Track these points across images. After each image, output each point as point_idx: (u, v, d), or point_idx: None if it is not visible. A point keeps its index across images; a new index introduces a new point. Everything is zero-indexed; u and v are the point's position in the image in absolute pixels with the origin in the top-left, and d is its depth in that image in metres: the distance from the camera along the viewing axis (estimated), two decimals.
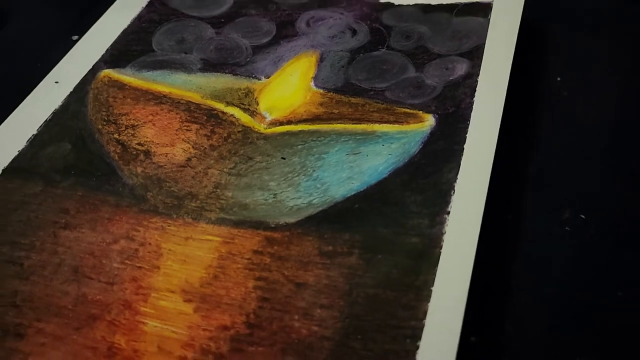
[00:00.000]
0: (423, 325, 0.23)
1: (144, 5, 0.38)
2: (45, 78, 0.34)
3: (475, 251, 0.25)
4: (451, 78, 0.33)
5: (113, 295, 0.26)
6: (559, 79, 0.34)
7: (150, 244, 0.27)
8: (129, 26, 0.37)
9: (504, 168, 0.29)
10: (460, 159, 0.29)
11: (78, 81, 0.34)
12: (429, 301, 0.24)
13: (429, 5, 0.38)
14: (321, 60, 0.35)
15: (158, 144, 0.31)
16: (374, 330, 0.24)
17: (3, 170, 0.30)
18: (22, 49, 0.37)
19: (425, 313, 0.24)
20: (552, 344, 0.24)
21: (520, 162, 0.31)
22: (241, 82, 0.34)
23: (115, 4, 0.38)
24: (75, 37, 0.37)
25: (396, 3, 0.39)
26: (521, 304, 0.26)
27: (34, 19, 0.39)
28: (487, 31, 0.35)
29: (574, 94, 0.34)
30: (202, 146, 0.31)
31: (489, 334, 0.25)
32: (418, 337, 0.23)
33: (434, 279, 0.25)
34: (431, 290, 0.24)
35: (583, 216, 0.28)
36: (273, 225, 0.28)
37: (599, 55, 0.36)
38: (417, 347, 0.23)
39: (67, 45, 0.36)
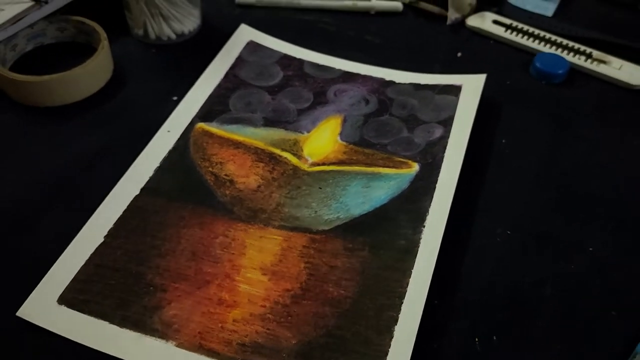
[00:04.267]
0: (406, 291, 0.40)
1: (222, 77, 0.55)
2: (161, 128, 0.50)
3: (438, 249, 0.42)
4: (431, 139, 0.50)
5: (218, 269, 0.41)
6: (503, 140, 0.51)
7: (238, 239, 0.43)
8: (213, 92, 0.53)
9: (461, 200, 0.45)
10: (434, 193, 0.45)
11: (182, 131, 0.50)
12: (410, 277, 0.40)
13: (419, 84, 0.55)
14: (344, 121, 0.52)
15: (238, 175, 0.47)
16: (376, 292, 0.40)
17: (141, 189, 0.46)
18: (138, 105, 0.53)
19: (407, 284, 0.40)
20: (485, 311, 0.40)
21: (472, 196, 0.46)
22: (291, 135, 0.51)
23: (203, 75, 0.54)
24: (175, 98, 0.53)
25: (396, 81, 0.55)
26: (467, 283, 0.41)
27: (144, 83, 0.55)
28: (457, 106, 0.52)
29: (514, 152, 0.50)
30: (267, 178, 0.47)
31: (444, 300, 0.40)
32: (403, 297, 0.39)
33: (414, 265, 0.41)
34: (411, 272, 0.41)
35: (509, 232, 0.44)
36: (315, 231, 0.44)
37: (531, 123, 0.52)
38: (402, 303, 0.39)
39: (169, 104, 0.52)
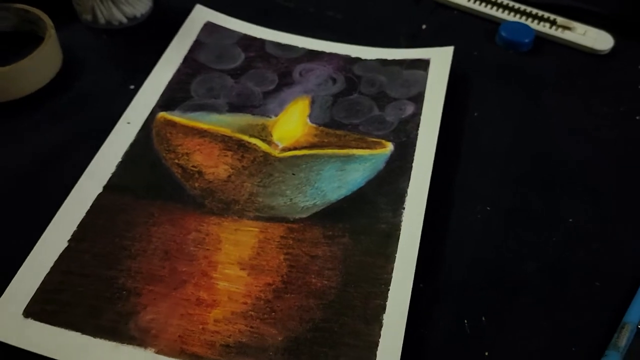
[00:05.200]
0: (391, 277, 0.39)
1: (181, 62, 0.52)
2: (120, 120, 0.47)
3: (421, 231, 0.41)
4: (403, 116, 0.48)
5: (194, 268, 0.39)
6: (475, 114, 0.50)
7: (212, 234, 0.41)
8: (172, 78, 0.50)
9: (437, 178, 0.44)
10: (410, 173, 0.44)
11: (143, 121, 0.47)
12: (394, 262, 0.39)
13: (386, 60, 0.53)
14: (312, 102, 0.50)
15: (206, 165, 0.45)
16: (361, 281, 0.39)
17: (104, 187, 0.43)
18: (93, 97, 0.49)
19: (392, 269, 0.39)
20: (471, 292, 0.40)
21: (448, 173, 0.45)
22: (258, 120, 0.48)
23: (160, 61, 0.51)
24: (132, 87, 0.50)
25: (362, 58, 0.53)
26: (450, 263, 0.41)
27: (97, 72, 0.52)
28: (426, 81, 0.51)
29: (486, 125, 0.49)
30: (237, 167, 0.45)
31: (429, 283, 0.40)
32: (388, 284, 0.38)
33: (397, 249, 0.40)
34: (395, 256, 0.40)
35: (488, 208, 0.44)
36: (292, 220, 0.42)
37: (501, 94, 0.51)
38: (389, 290, 0.38)
39: (127, 93, 0.49)
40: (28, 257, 0.39)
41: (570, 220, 0.43)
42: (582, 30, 0.55)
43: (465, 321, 0.38)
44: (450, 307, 0.39)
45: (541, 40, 0.56)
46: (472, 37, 0.56)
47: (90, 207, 0.42)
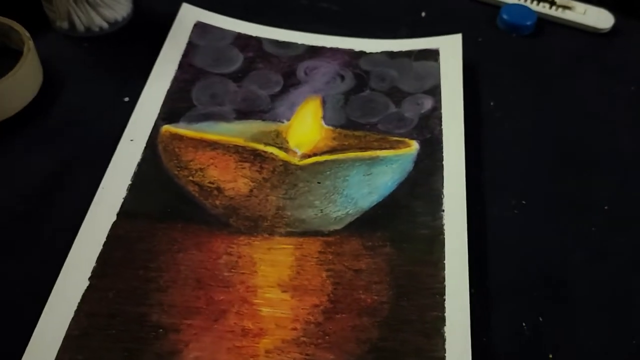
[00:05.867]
0: (444, 286, 0.37)
1: (176, 68, 0.48)
2: (122, 138, 0.42)
3: (467, 234, 0.39)
4: (422, 111, 0.46)
5: (232, 295, 0.36)
6: (491, 103, 0.48)
7: (244, 256, 0.38)
8: (170, 87, 0.46)
9: (467, 175, 0.42)
10: (443, 172, 0.42)
11: (147, 137, 0.43)
12: (444, 270, 0.37)
13: (392, 52, 0.51)
14: (324, 102, 0.47)
15: (224, 180, 0.42)
16: (413, 293, 0.37)
17: (117, 214, 0.39)
18: (85, 113, 0.45)
19: (444, 277, 0.37)
20: (523, 291, 0.38)
21: (477, 169, 0.44)
22: (270, 126, 0.45)
23: (154, 68, 0.47)
24: (126, 99, 0.46)
25: (367, 51, 0.51)
26: (496, 264, 0.39)
27: (85, 85, 0.47)
28: (439, 72, 0.49)
29: (505, 114, 0.47)
30: (257, 179, 0.42)
31: (479, 287, 0.38)
32: (443, 293, 0.36)
33: (444, 255, 0.38)
34: (444, 263, 0.38)
35: (524, 202, 0.42)
36: (326, 232, 0.40)
37: (513, 81, 0.50)
38: (444, 300, 0.36)
39: (122, 107, 0.45)
40: (47, 303, 0.35)
41: (606, 207, 0.42)
42: (581, 9, 0.55)
43: (524, 323, 0.37)
44: (505, 310, 0.37)
45: (542, 21, 0.54)
46: (473, 22, 0.54)
47: (106, 238, 0.38)
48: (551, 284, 0.38)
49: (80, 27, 0.49)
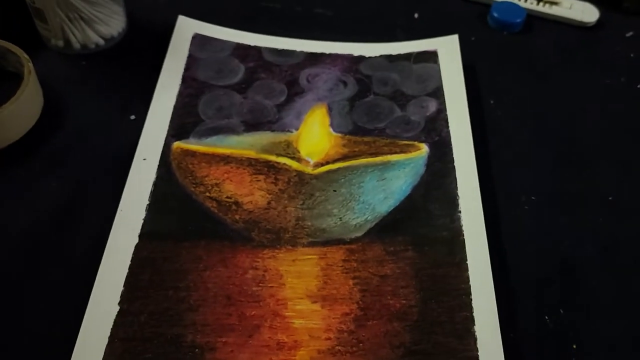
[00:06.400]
0: (470, 286, 0.38)
1: (180, 82, 0.47)
2: (135, 157, 0.42)
3: (486, 233, 0.40)
4: (428, 114, 0.47)
5: (263, 309, 0.37)
6: (491, 102, 0.50)
7: (270, 269, 0.39)
8: (176, 102, 0.46)
9: (478, 173, 0.43)
10: (455, 174, 0.43)
11: (160, 155, 0.43)
12: (467, 270, 0.38)
13: (391, 55, 0.51)
14: (330, 109, 0.47)
15: (241, 195, 0.42)
16: (440, 294, 0.38)
17: (139, 235, 0.39)
18: (91, 134, 0.44)
19: (468, 278, 0.38)
20: (542, 286, 0.40)
21: (484, 167, 0.45)
22: (279, 136, 0.45)
23: (158, 83, 0.47)
24: (132, 117, 0.45)
25: (366, 55, 0.51)
26: (512, 261, 0.40)
27: (88, 104, 0.46)
28: (440, 74, 0.49)
29: (505, 112, 0.49)
30: (274, 191, 0.42)
31: (500, 285, 0.39)
32: (469, 293, 0.37)
33: (466, 256, 0.39)
34: (467, 264, 0.39)
35: (533, 197, 0.44)
36: (348, 240, 0.40)
37: (509, 78, 0.51)
38: (471, 300, 0.37)
39: (129, 125, 0.45)
40: (80, 332, 0.35)
41: (610, 198, 0.44)
42: (567, 4, 0.56)
43: (546, 317, 0.38)
44: (528, 305, 0.38)
45: (530, 17, 0.56)
46: (465, 22, 0.55)
47: (131, 261, 0.38)
48: (568, 277, 0.40)
49: (76, 44, 0.49)
